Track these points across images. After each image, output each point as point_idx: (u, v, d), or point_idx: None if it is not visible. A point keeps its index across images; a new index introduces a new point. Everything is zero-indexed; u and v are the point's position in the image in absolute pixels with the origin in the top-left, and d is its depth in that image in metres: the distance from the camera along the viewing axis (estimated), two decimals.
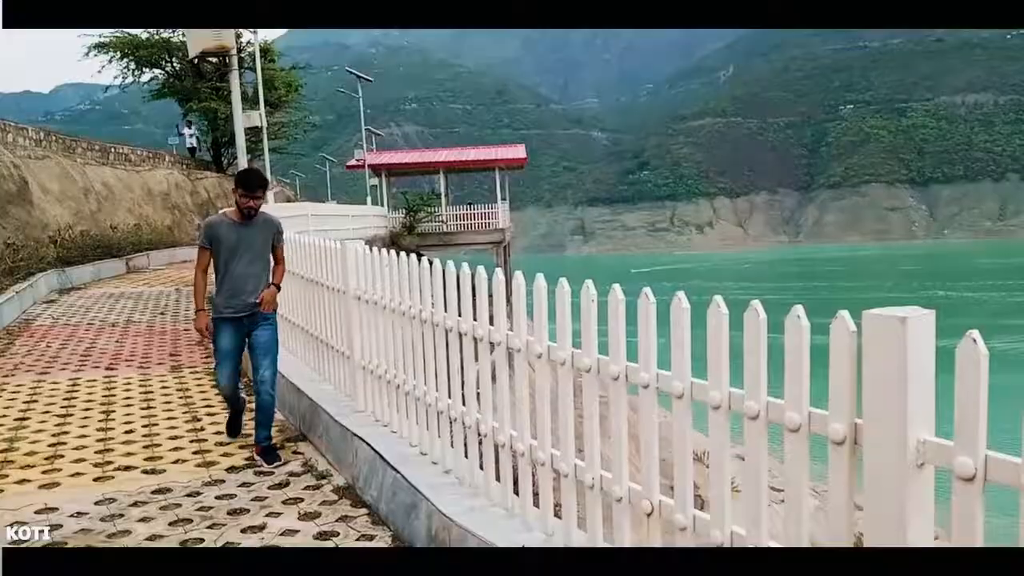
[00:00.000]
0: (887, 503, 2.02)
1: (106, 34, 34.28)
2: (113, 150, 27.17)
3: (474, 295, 3.96)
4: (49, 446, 6.06)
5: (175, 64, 35.26)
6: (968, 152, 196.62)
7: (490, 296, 3.89)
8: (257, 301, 5.60)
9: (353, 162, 39.73)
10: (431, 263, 4.31)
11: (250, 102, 25.16)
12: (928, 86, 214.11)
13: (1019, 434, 1.81)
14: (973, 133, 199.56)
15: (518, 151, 39.22)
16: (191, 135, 33.83)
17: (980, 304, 66.97)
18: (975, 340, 1.87)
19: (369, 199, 38.55)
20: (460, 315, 4.10)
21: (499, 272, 3.76)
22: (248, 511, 4.65)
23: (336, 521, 4.45)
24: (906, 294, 72.81)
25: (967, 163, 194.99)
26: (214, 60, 13.04)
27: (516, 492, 3.76)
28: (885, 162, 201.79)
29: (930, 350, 2.00)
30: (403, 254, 4.71)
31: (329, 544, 4.16)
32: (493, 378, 3.96)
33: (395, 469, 4.38)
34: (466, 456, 4.15)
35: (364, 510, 4.61)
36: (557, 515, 3.66)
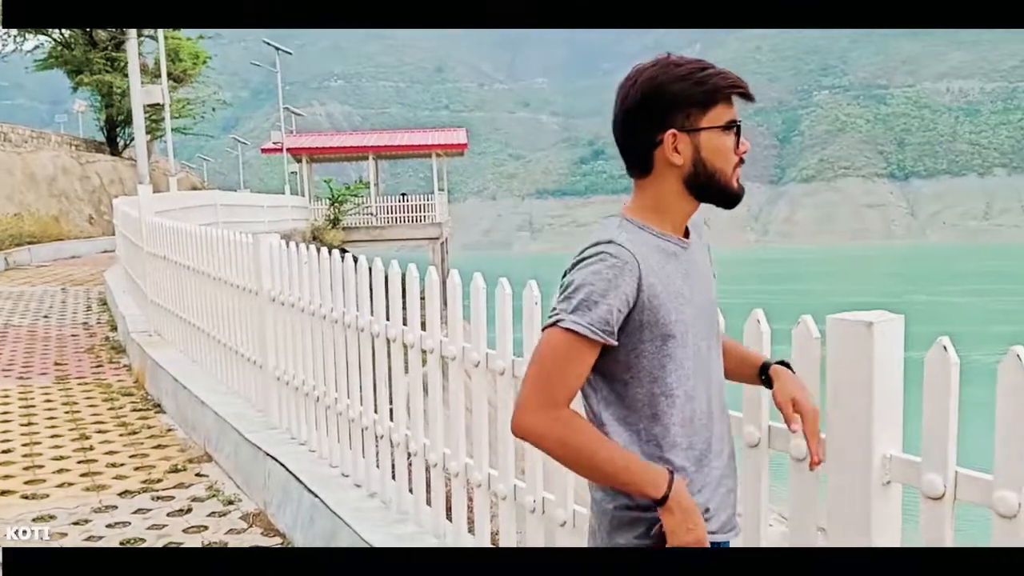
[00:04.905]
0: (851, 523, 2.09)
1: None
2: None
3: (404, 297, 3.97)
4: None
5: (63, 30, 34.55)
6: (952, 144, 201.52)
7: (422, 298, 3.90)
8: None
9: (270, 145, 39.36)
10: (356, 260, 4.30)
11: (150, 75, 24.77)
12: (910, 70, 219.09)
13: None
14: (957, 123, 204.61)
15: (458, 135, 39.29)
16: None
17: (964, 310, 68.69)
18: (945, 347, 1.93)
19: (288, 188, 38.22)
20: (388, 319, 4.10)
21: (433, 271, 3.77)
22: (143, 541, 4.60)
23: None
24: (885, 298, 74.31)
25: (951, 156, 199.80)
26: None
27: (449, 517, 3.78)
28: (862, 154, 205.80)
29: (898, 358, 2.06)
30: (325, 250, 4.69)
31: None
32: (425, 390, 3.96)
33: (313, 493, 4.37)
34: (393, 477, 4.16)
35: (277, 539, 4.59)
36: (495, 543, 3.69)
